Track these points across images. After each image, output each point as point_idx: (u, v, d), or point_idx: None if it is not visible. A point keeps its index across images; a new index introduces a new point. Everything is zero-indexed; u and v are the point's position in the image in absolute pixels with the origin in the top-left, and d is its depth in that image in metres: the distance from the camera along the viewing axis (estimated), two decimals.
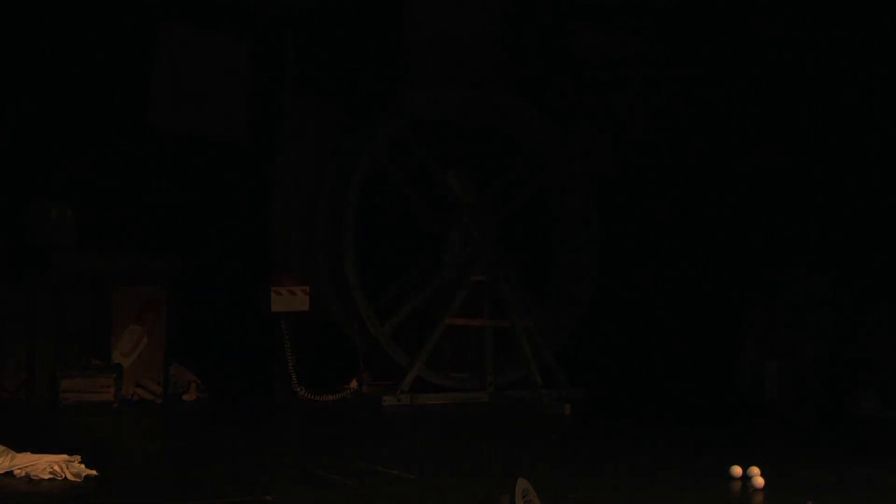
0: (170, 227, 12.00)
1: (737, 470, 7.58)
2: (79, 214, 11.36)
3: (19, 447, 7.47)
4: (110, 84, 12.02)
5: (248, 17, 12.37)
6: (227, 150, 12.46)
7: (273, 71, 12.43)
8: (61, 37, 11.79)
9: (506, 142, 13.00)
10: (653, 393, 12.56)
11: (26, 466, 7.30)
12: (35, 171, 11.69)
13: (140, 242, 11.67)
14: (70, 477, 7.25)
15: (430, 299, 12.21)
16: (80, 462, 7.37)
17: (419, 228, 12.65)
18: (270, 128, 12.38)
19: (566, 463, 8.51)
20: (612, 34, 13.44)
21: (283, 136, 12.29)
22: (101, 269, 11.20)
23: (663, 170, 13.76)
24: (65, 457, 7.39)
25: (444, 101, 12.41)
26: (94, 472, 7.30)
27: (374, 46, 12.48)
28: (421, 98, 12.25)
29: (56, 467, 7.28)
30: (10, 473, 7.27)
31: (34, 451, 7.44)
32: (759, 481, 7.39)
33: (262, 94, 12.51)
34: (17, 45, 11.65)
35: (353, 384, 11.67)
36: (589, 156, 13.22)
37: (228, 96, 12.43)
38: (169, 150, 12.20)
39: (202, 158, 12.36)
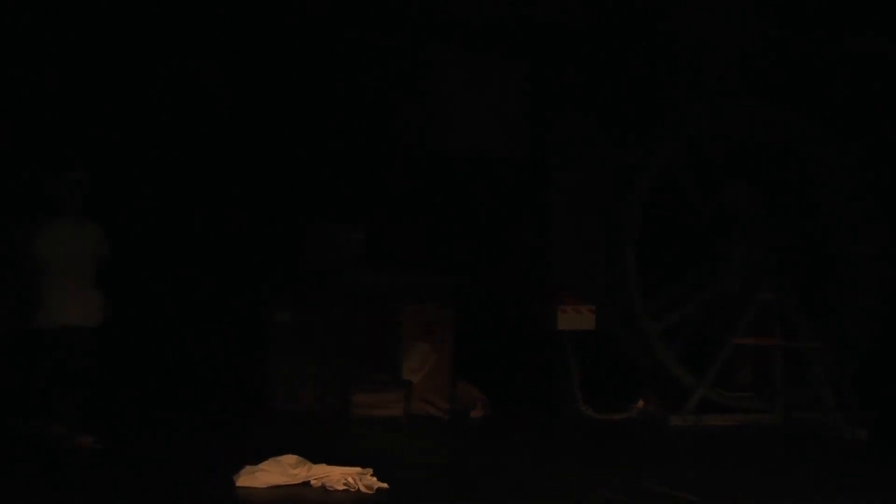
0: (452, 246, 12.21)
1: None
2: (366, 235, 11.76)
3: (314, 458, 7.78)
4: (393, 107, 12.38)
5: (519, 38, 12.47)
6: (506, 168, 12.60)
7: (547, 89, 12.51)
8: (339, 63, 12.21)
9: (791, 156, 12.58)
10: None
11: (322, 477, 7.59)
12: (324, 193, 12.14)
13: (423, 262, 11.92)
14: (363, 489, 7.49)
15: (708, 317, 11.98)
16: (371, 475, 7.60)
17: (690, 241, 12.37)
18: (548, 146, 12.45)
19: (863, 492, 8.13)
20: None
21: (560, 153, 12.35)
22: (392, 286, 11.51)
23: None
24: (358, 469, 7.64)
25: (723, 113, 12.13)
26: (384, 486, 7.53)
27: (642, 62, 12.36)
28: (701, 111, 12.05)
29: (350, 479, 7.54)
30: (307, 483, 7.58)
31: (329, 463, 7.73)
32: None
33: (539, 112, 12.59)
34: (300, 76, 12.15)
35: (641, 404, 11.54)
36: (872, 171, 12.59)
37: (505, 116, 12.58)
38: (450, 170, 12.44)
39: (482, 178, 12.55)
